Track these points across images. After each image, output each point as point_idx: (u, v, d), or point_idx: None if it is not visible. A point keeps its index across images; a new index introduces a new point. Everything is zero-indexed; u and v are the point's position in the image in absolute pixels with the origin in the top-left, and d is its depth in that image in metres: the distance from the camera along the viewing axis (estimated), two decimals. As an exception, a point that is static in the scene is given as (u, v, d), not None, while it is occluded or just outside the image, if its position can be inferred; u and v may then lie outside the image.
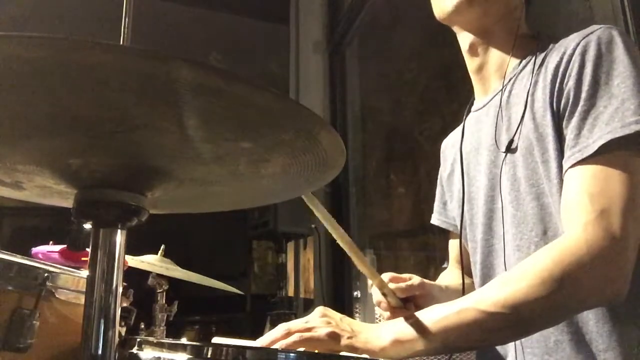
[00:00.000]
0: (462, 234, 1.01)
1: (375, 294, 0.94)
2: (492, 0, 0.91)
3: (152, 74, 0.36)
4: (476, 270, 0.97)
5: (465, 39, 0.99)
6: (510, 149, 0.87)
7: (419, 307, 0.92)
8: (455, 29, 1.00)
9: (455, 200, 1.07)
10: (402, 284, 0.93)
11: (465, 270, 1.04)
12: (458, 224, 1.04)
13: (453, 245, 1.14)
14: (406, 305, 0.93)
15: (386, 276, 0.94)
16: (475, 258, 0.97)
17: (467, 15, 0.93)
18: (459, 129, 1.06)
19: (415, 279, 0.95)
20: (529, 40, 0.93)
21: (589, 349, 0.76)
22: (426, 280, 0.97)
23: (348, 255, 0.86)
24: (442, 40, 1.04)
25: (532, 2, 1.01)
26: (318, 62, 3.48)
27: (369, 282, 0.96)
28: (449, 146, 1.14)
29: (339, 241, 0.78)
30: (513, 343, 0.85)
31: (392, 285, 0.93)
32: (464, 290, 0.91)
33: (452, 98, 2.15)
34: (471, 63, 1.00)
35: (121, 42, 1.18)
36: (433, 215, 1.18)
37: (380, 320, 1.32)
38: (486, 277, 0.93)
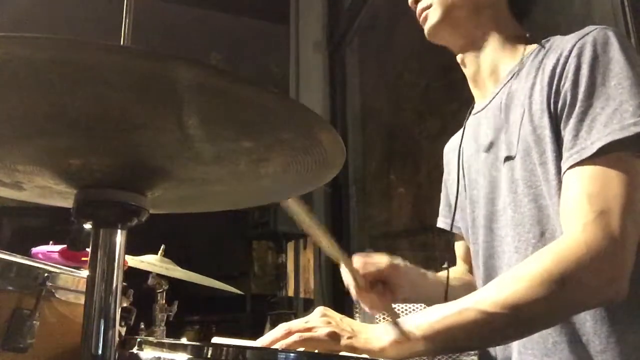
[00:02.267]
0: (466, 237, 1.02)
1: (346, 276, 0.92)
2: (456, 19, 0.94)
3: (152, 74, 0.36)
4: (479, 272, 0.97)
5: (455, 52, 1.01)
6: (509, 152, 0.87)
7: (391, 287, 0.92)
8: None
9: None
10: (372, 269, 0.92)
11: (469, 269, 1.05)
12: (461, 226, 1.05)
13: (458, 246, 1.15)
14: (376, 287, 0.92)
15: (357, 260, 0.92)
16: (477, 260, 0.97)
17: (441, 36, 0.98)
18: (460, 133, 1.07)
19: (383, 261, 0.94)
20: (522, 41, 0.93)
21: (587, 350, 0.76)
22: (401, 263, 0.96)
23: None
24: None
25: (524, 5, 1.01)
26: (318, 62, 3.49)
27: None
28: (451, 150, 1.15)
29: (316, 237, 0.77)
30: (514, 343, 0.85)
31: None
32: (447, 285, 0.92)
33: (452, 98, 2.15)
34: (466, 72, 1.02)
35: (121, 43, 1.18)
36: (439, 219, 1.18)
37: (380, 321, 1.32)
38: (489, 278, 0.93)
